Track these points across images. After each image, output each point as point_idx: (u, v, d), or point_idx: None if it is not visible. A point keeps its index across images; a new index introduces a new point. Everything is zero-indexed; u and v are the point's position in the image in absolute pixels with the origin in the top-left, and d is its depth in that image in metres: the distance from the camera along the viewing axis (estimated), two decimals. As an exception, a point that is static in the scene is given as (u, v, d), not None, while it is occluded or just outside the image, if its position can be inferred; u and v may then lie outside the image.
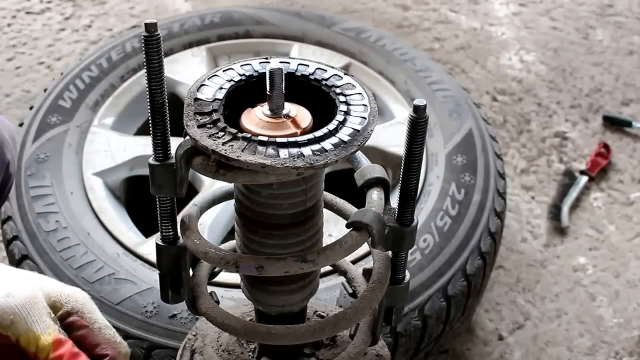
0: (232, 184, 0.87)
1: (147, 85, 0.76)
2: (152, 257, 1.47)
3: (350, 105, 0.78)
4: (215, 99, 0.77)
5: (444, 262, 1.54)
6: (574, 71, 2.79)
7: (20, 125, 1.80)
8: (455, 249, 1.56)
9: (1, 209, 1.63)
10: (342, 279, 1.02)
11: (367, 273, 0.92)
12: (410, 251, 0.92)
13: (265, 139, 0.73)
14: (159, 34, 0.74)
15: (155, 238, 0.88)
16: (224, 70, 0.81)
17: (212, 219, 1.59)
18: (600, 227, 2.26)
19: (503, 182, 1.74)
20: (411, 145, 0.78)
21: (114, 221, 1.60)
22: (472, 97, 1.95)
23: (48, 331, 0.85)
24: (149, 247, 1.54)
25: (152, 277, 1.47)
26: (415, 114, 0.75)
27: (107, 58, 1.94)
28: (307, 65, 0.82)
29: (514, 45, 2.91)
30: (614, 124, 2.58)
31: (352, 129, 0.75)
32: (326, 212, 0.91)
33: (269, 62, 0.82)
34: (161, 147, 0.79)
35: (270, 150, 0.72)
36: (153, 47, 0.74)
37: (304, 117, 0.78)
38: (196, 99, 0.77)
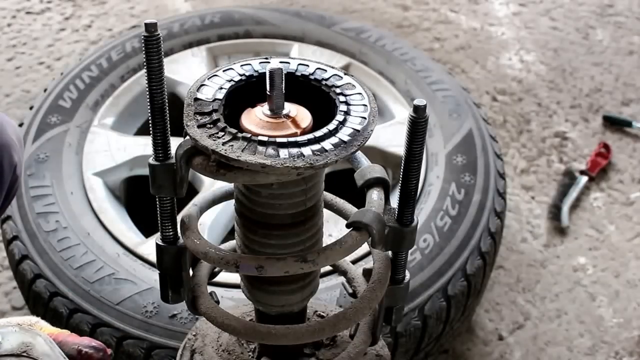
0: (232, 184, 0.87)
1: (147, 85, 0.76)
2: (152, 257, 1.47)
3: (350, 105, 0.78)
4: (215, 99, 0.77)
5: (444, 262, 1.54)
6: (574, 71, 2.79)
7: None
8: (455, 249, 1.56)
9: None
10: (342, 279, 1.02)
11: (367, 273, 0.92)
12: (410, 251, 0.92)
13: (265, 139, 0.73)
14: (159, 34, 0.74)
15: (155, 238, 0.88)
16: (224, 70, 0.81)
17: (212, 219, 1.59)
18: (600, 227, 2.26)
19: (503, 182, 1.74)
20: (411, 145, 0.78)
21: (114, 221, 1.60)
22: (472, 97, 1.95)
23: None
24: (149, 247, 1.54)
25: (152, 277, 1.47)
26: (415, 114, 0.75)
27: (107, 58, 1.94)
28: (307, 65, 0.82)
29: (514, 45, 2.91)
30: (614, 124, 2.58)
31: (352, 129, 0.75)
32: (326, 212, 0.91)
33: (269, 62, 0.82)
34: (161, 147, 0.79)
35: (270, 150, 0.72)
36: (153, 47, 0.74)
37: (304, 117, 0.78)
38: (196, 99, 0.77)
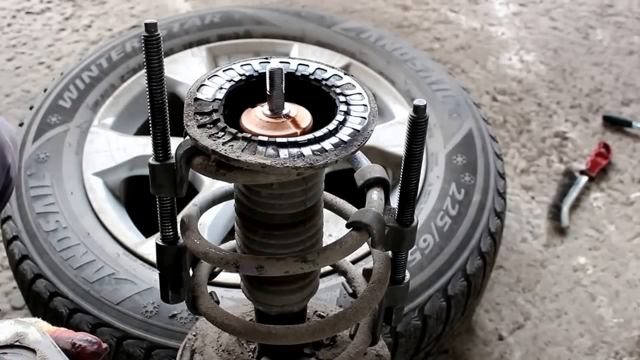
0: (232, 184, 0.87)
1: (147, 85, 0.76)
2: (152, 257, 1.47)
3: (350, 105, 0.78)
4: (215, 99, 0.77)
5: (444, 262, 1.54)
6: (574, 71, 2.79)
7: (20, 125, 1.80)
8: (455, 249, 1.56)
9: (3, 209, 1.63)
10: (342, 279, 1.02)
11: (367, 273, 0.92)
12: (410, 251, 0.92)
13: (265, 139, 0.73)
14: (159, 34, 0.74)
15: (155, 238, 0.88)
16: (224, 70, 0.81)
17: (212, 219, 1.59)
18: (600, 227, 2.26)
19: (503, 182, 1.74)
20: (411, 145, 0.78)
21: (114, 221, 1.60)
22: (472, 97, 1.95)
23: None
24: (149, 247, 1.54)
25: (152, 277, 1.47)
26: (415, 114, 0.75)
27: (107, 58, 1.94)
28: (307, 65, 0.82)
29: (514, 45, 2.91)
30: (614, 124, 2.58)
31: (352, 129, 0.75)
32: (326, 212, 0.91)
33: (269, 62, 0.82)
34: (161, 147, 0.79)
35: (270, 150, 0.72)
36: (153, 47, 0.74)
37: (304, 117, 0.78)
38: (196, 99, 0.77)
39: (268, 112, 0.77)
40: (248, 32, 2.06)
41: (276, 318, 0.94)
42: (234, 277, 1.41)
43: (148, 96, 0.77)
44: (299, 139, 0.74)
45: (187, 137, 0.75)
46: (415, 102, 0.75)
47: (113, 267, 1.49)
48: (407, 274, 0.93)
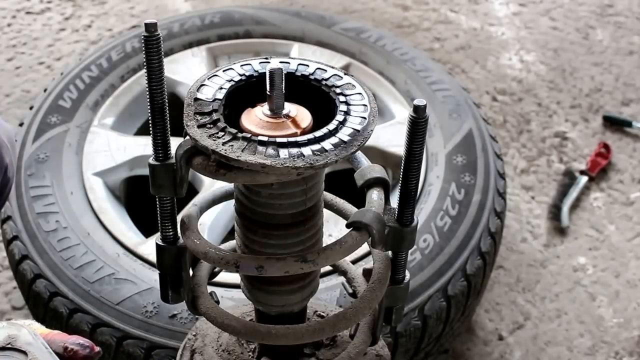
0: (232, 184, 0.87)
1: (147, 85, 0.76)
2: (152, 257, 1.47)
3: (350, 105, 0.78)
4: (215, 99, 0.77)
5: (444, 262, 1.54)
6: (574, 71, 2.79)
7: (20, 125, 1.80)
8: (455, 249, 1.56)
9: (1, 210, 1.63)
10: (342, 279, 1.02)
11: (367, 273, 0.92)
12: (410, 251, 0.92)
13: (265, 139, 0.73)
14: (159, 34, 0.74)
15: (155, 238, 0.88)
16: (224, 70, 0.81)
17: (212, 219, 1.59)
18: (600, 227, 2.26)
19: (503, 182, 1.74)
20: (411, 145, 0.78)
21: (114, 221, 1.60)
22: (472, 97, 1.95)
23: None
24: (149, 247, 1.54)
25: (152, 277, 1.47)
26: (415, 114, 0.75)
27: (107, 58, 1.94)
28: (307, 65, 0.82)
29: (514, 45, 2.91)
30: (614, 124, 2.58)
31: (352, 129, 0.75)
32: (326, 212, 0.91)
33: (269, 62, 0.82)
34: (161, 147, 0.79)
35: (270, 150, 0.72)
36: (153, 47, 0.74)
37: (304, 117, 0.78)
38: (196, 99, 0.77)
39: (268, 112, 0.77)
40: (248, 32, 2.06)
41: (276, 318, 0.94)
42: (234, 277, 1.41)
43: (148, 96, 0.77)
44: (299, 139, 0.74)
45: (187, 137, 0.75)
46: (415, 102, 0.75)
47: (113, 267, 1.49)
48: (407, 274, 0.93)
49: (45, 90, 1.89)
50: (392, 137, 1.79)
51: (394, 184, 1.60)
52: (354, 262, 1.47)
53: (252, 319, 1.02)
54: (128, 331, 1.41)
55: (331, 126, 0.75)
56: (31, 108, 1.84)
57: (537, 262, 2.15)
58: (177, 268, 0.89)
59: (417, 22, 2.99)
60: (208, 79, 0.80)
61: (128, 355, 1.41)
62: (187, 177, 0.79)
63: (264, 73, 0.77)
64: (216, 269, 0.95)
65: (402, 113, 1.86)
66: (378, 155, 1.76)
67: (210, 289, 0.92)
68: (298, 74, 0.81)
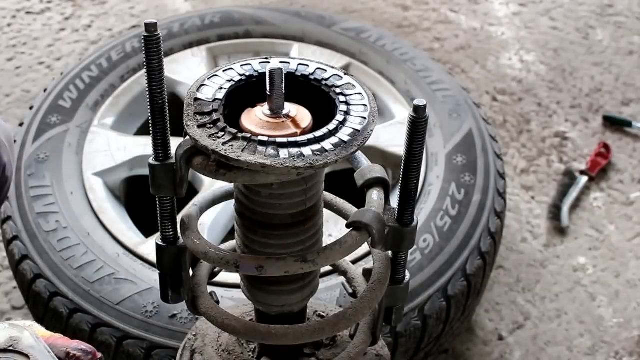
0: (232, 184, 0.87)
1: (147, 85, 0.76)
2: (152, 257, 1.47)
3: (350, 105, 0.78)
4: (215, 99, 0.77)
5: (444, 262, 1.54)
6: (574, 71, 2.79)
7: (20, 125, 1.80)
8: (455, 249, 1.56)
9: (0, 210, 1.63)
10: (342, 279, 1.02)
11: (367, 273, 0.92)
12: (410, 251, 0.92)
13: (265, 139, 0.73)
14: (159, 34, 0.74)
15: (155, 238, 0.88)
16: (224, 70, 0.81)
17: (212, 219, 1.59)
18: (600, 227, 2.26)
19: (503, 182, 1.74)
20: (411, 145, 0.78)
21: (114, 221, 1.60)
22: (472, 97, 1.95)
23: None
24: (149, 247, 1.54)
25: (152, 277, 1.47)
26: (415, 114, 0.75)
27: (107, 58, 1.94)
28: (307, 65, 0.82)
29: (514, 45, 2.91)
30: (614, 124, 2.58)
31: (352, 129, 0.75)
32: (326, 212, 0.91)
33: (269, 62, 0.82)
34: (161, 147, 0.79)
35: (270, 150, 0.72)
36: (153, 47, 0.74)
37: (304, 117, 0.78)
38: (196, 99, 0.77)
39: (268, 112, 0.77)
40: (248, 32, 2.06)
41: (276, 318, 0.94)
42: (234, 277, 1.41)
43: (148, 96, 0.77)
44: (299, 139, 0.74)
45: (187, 137, 0.75)
46: (415, 102, 0.75)
47: (113, 267, 1.49)
48: (407, 274, 0.93)
49: (45, 90, 1.89)
50: (392, 137, 1.79)
51: (394, 184, 1.60)
52: (354, 262, 1.47)
53: (252, 319, 1.02)
54: (128, 331, 1.41)
55: (331, 126, 0.75)
56: (31, 108, 1.84)
57: (537, 262, 2.15)
58: (177, 268, 0.89)
59: (417, 22, 2.99)
60: (208, 79, 0.80)
61: (128, 355, 1.41)
62: (187, 177, 0.79)
63: (264, 73, 0.77)
64: (216, 269, 0.95)
65: (402, 113, 1.86)
66: (378, 155, 1.76)
67: (210, 289, 0.92)
68: (298, 74, 0.81)
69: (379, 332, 0.96)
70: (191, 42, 2.01)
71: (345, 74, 0.82)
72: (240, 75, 0.81)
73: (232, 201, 0.88)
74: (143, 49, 0.74)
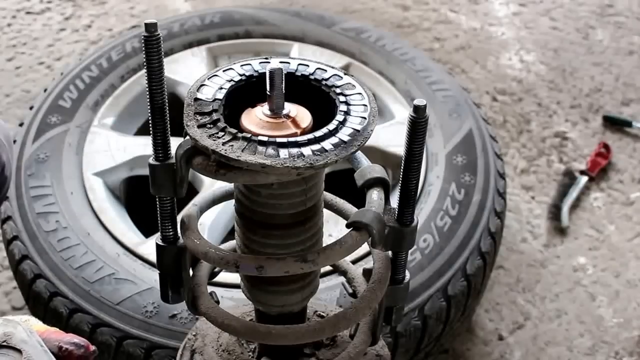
0: (232, 184, 0.87)
1: (147, 85, 0.76)
2: (152, 257, 1.47)
3: (350, 105, 0.78)
4: (215, 99, 0.77)
5: (444, 262, 1.54)
6: (574, 71, 2.79)
7: (20, 125, 1.80)
8: (455, 249, 1.56)
9: (0, 209, 1.63)
10: (342, 279, 1.02)
11: (367, 273, 0.92)
12: (410, 251, 0.92)
13: (265, 139, 0.73)
14: (159, 34, 0.74)
15: (155, 238, 0.88)
16: (224, 70, 0.81)
17: (212, 219, 1.59)
18: (600, 227, 2.26)
19: (503, 182, 1.74)
20: (411, 145, 0.78)
21: (114, 221, 1.60)
22: (472, 97, 1.95)
23: None
24: (149, 247, 1.54)
25: (152, 277, 1.47)
26: (415, 114, 0.75)
27: (107, 58, 1.94)
28: (307, 65, 0.82)
29: (514, 45, 2.91)
30: (614, 124, 2.58)
31: (352, 129, 0.75)
32: (326, 212, 0.91)
33: (269, 62, 0.82)
34: (161, 147, 0.79)
35: (270, 150, 0.72)
36: (153, 47, 0.74)
37: (304, 117, 0.78)
38: (196, 99, 0.77)
39: (268, 112, 0.77)
40: (248, 32, 2.06)
41: (276, 318, 0.94)
42: (234, 277, 1.41)
43: (148, 96, 0.77)
44: (299, 139, 0.74)
45: (187, 137, 0.75)
46: (415, 102, 0.75)
47: (113, 267, 1.49)
48: (407, 274, 0.93)
49: (45, 90, 1.89)
50: (392, 137, 1.79)
51: (394, 184, 1.60)
52: (354, 262, 1.47)
53: (252, 319, 1.02)
54: (128, 331, 1.41)
55: (331, 126, 0.75)
56: (31, 108, 1.84)
57: (537, 262, 2.15)
58: (177, 268, 0.89)
59: (417, 22, 2.99)
60: (208, 79, 0.80)
61: (128, 355, 1.41)
62: (187, 177, 0.79)
63: (264, 73, 0.77)
64: (216, 269, 0.95)
65: (402, 113, 1.86)
66: (378, 155, 1.76)
67: (210, 289, 0.92)
68: (298, 74, 0.81)
69: (379, 332, 0.96)
70: (191, 42, 2.01)
71: (345, 74, 0.82)
72: (240, 75, 0.81)
73: (232, 201, 0.88)
74: (143, 49, 0.74)
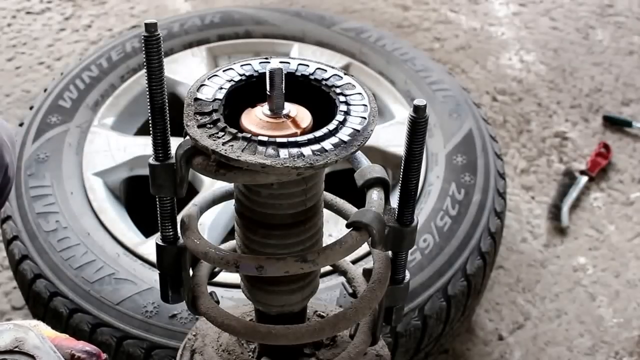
0: (232, 184, 0.87)
1: (147, 85, 0.76)
2: (152, 257, 1.47)
3: (350, 105, 0.78)
4: (215, 99, 0.77)
5: (444, 262, 1.54)
6: (574, 71, 2.79)
7: (20, 125, 1.80)
8: (455, 249, 1.56)
9: (1, 210, 1.63)
10: (342, 279, 1.02)
11: (367, 273, 0.92)
12: (410, 251, 0.92)
13: (265, 139, 0.73)
14: (159, 34, 0.74)
15: (155, 238, 0.88)
16: (224, 70, 0.81)
17: (212, 219, 1.59)
18: (600, 227, 2.26)
19: (503, 182, 1.74)
20: (411, 145, 0.78)
21: (114, 221, 1.60)
22: (472, 97, 1.95)
23: None
24: (149, 247, 1.54)
25: (152, 277, 1.47)
26: (415, 114, 0.75)
27: (107, 58, 1.94)
28: (307, 65, 0.82)
29: (514, 45, 2.91)
30: (614, 124, 2.58)
31: (352, 129, 0.75)
32: (326, 212, 0.91)
33: (269, 62, 0.82)
34: (161, 147, 0.79)
35: (270, 150, 0.72)
36: (153, 47, 0.74)
37: (304, 117, 0.78)
38: (196, 99, 0.77)
39: (268, 112, 0.77)
40: (248, 32, 2.06)
41: (276, 318, 0.94)
42: (234, 277, 1.41)
43: (148, 96, 0.77)
44: (299, 139, 0.74)
45: (187, 137, 0.75)
46: (415, 102, 0.75)
47: (113, 267, 1.49)
48: (407, 274, 0.93)
49: (45, 90, 1.89)
50: (392, 137, 1.79)
51: (394, 184, 1.60)
52: (354, 262, 1.47)
53: (252, 319, 1.02)
54: (128, 331, 1.41)
55: (331, 126, 0.75)
56: (31, 108, 1.84)
57: (537, 262, 2.15)
58: (177, 268, 0.89)
59: (417, 22, 2.99)
60: (208, 79, 0.80)
61: (128, 355, 1.41)
62: (187, 177, 0.79)
63: (264, 73, 0.77)
64: (216, 269, 0.95)
65: (402, 113, 1.86)
66: (378, 155, 1.76)
67: (210, 289, 0.92)
68: (298, 74, 0.81)
69: (379, 332, 0.96)
70: (191, 42, 2.01)
71: (345, 74, 0.82)
72: (240, 75, 0.81)
73: (232, 201, 0.88)
74: (143, 49, 0.74)
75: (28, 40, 2.84)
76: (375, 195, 0.82)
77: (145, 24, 0.73)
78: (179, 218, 0.86)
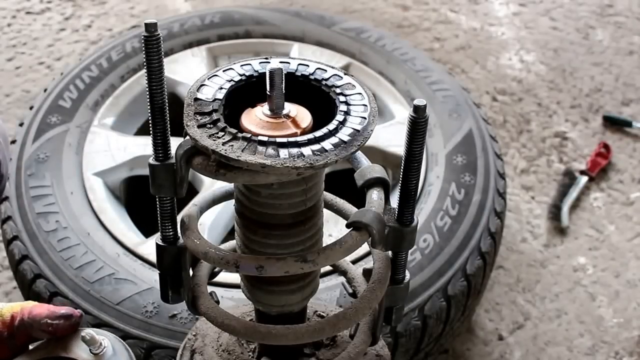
0: (232, 184, 0.87)
1: (147, 85, 0.76)
2: (152, 257, 1.47)
3: (350, 105, 0.78)
4: (215, 99, 0.77)
5: (444, 262, 1.54)
6: (574, 71, 2.79)
7: (21, 125, 1.80)
8: (455, 249, 1.56)
9: (0, 209, 1.63)
10: (342, 279, 1.01)
11: (367, 273, 0.92)
12: (410, 251, 0.92)
13: (265, 139, 0.73)
14: (159, 34, 0.74)
15: (155, 238, 0.88)
16: (224, 70, 0.81)
17: (212, 219, 1.59)
18: (600, 227, 2.26)
19: (503, 182, 1.74)
20: (411, 145, 0.78)
21: (114, 221, 1.60)
22: (472, 97, 1.95)
23: None
24: (149, 247, 1.54)
25: (152, 277, 1.47)
26: (415, 114, 0.75)
27: (107, 58, 1.94)
28: (307, 65, 0.82)
29: (514, 45, 2.91)
30: (614, 124, 2.58)
31: (352, 129, 0.75)
32: (326, 212, 0.91)
33: (269, 62, 0.82)
34: (161, 147, 0.79)
35: (270, 150, 0.72)
36: (153, 47, 0.74)
37: (304, 117, 0.78)
38: (196, 99, 0.77)
39: (268, 112, 0.77)
40: (248, 32, 2.06)
41: (276, 318, 0.94)
42: (234, 277, 1.41)
43: (148, 96, 0.77)
44: (299, 139, 0.74)
45: (187, 137, 0.75)
46: (415, 102, 0.75)
47: (113, 267, 1.49)
48: (407, 274, 0.93)
49: (45, 90, 1.89)
50: (392, 137, 1.79)
51: (394, 184, 1.60)
52: (354, 262, 1.47)
53: (252, 319, 1.02)
54: (128, 331, 1.41)
55: (331, 126, 0.75)
56: (31, 108, 1.84)
57: (537, 262, 2.15)
58: (177, 268, 0.89)
59: (417, 22, 2.99)
60: (208, 79, 0.80)
61: (128, 355, 1.41)
62: (187, 177, 0.79)
63: (264, 73, 0.77)
64: (216, 269, 0.95)
65: (402, 113, 1.86)
66: (378, 155, 1.76)
67: (210, 289, 0.92)
68: (298, 74, 0.81)
69: (379, 332, 0.96)
70: (191, 42, 2.01)
71: (345, 74, 0.82)
72: (240, 75, 0.81)
73: (232, 201, 0.88)
74: (143, 49, 0.74)
75: (28, 40, 2.84)
76: (375, 195, 0.82)
77: (145, 24, 0.73)
78: (179, 218, 0.86)
